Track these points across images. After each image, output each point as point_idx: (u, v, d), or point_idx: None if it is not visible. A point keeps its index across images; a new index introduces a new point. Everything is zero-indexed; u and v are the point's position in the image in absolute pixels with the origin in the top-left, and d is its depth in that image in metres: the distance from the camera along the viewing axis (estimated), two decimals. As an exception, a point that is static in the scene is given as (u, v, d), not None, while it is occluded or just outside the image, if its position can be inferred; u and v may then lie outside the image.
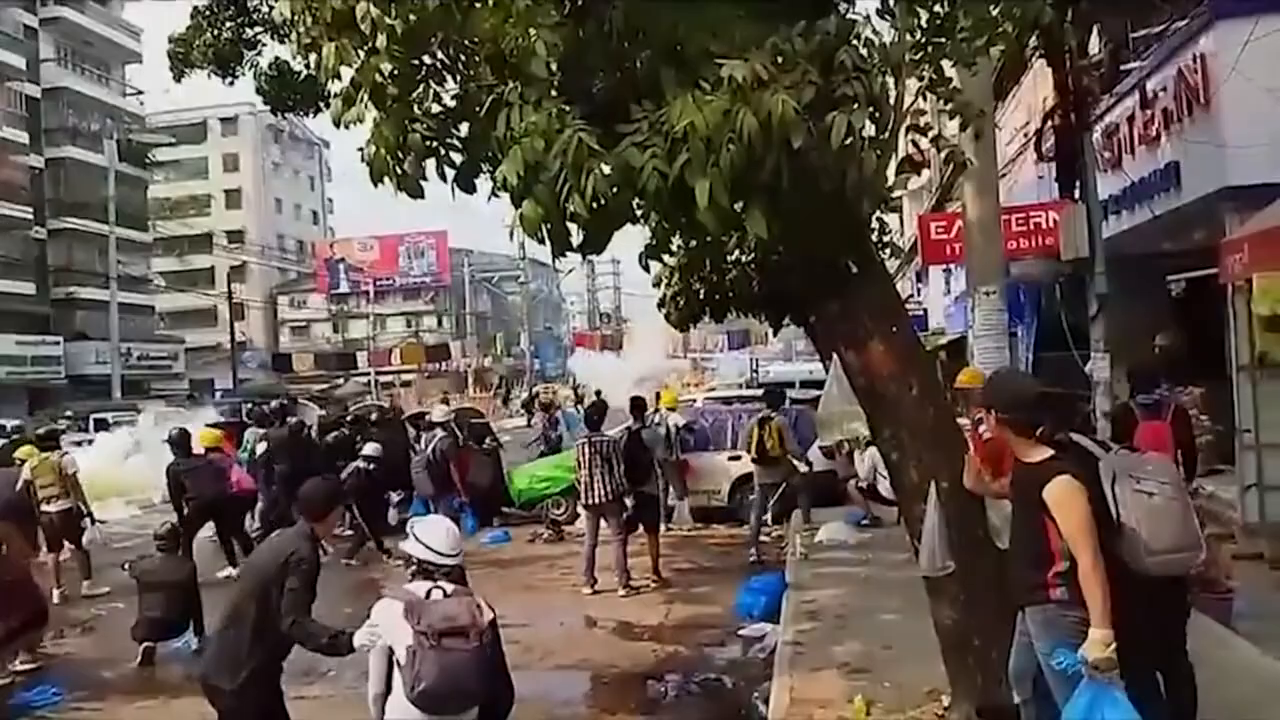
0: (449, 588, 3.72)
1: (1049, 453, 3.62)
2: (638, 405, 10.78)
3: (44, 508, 9.77)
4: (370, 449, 11.59)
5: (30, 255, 35.76)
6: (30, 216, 35.22)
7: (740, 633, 7.64)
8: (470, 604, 3.65)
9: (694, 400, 15.76)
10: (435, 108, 4.28)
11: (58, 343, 35.93)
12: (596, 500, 9.23)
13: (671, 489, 11.68)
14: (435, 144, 4.21)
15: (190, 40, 8.20)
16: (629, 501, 9.38)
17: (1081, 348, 8.85)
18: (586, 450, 9.31)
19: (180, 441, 10.49)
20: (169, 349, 44.13)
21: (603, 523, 9.33)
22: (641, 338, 32.45)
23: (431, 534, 3.88)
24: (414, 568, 3.83)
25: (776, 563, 9.65)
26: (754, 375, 30.91)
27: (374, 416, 15.91)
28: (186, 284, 49.18)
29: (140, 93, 43.97)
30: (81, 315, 37.06)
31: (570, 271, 56.36)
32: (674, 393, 15.43)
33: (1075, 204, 8.51)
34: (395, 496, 12.91)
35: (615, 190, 3.49)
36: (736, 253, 6.15)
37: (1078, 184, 8.59)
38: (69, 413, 24.82)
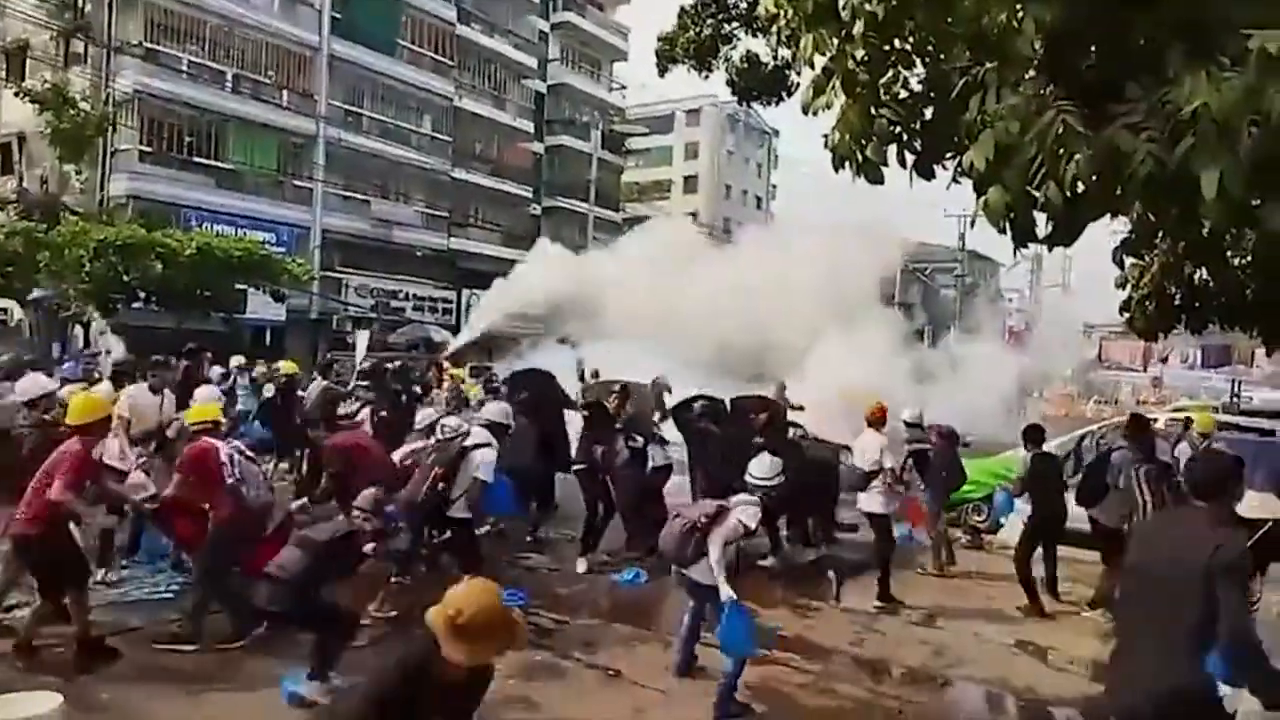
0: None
1: None
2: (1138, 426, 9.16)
3: None
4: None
5: (528, 228, 42.11)
6: (530, 195, 41.50)
7: None
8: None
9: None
10: (902, 93, 4.28)
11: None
12: None
13: None
14: (899, 130, 4.21)
15: (675, 38, 9.06)
16: None
17: None
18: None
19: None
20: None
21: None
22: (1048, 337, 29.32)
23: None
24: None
25: None
26: (1234, 400, 26.50)
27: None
28: (644, 260, 54.42)
29: (624, 88, 49.32)
30: (562, 282, 42.98)
31: (1014, 266, 52.47)
32: (1210, 416, 12.91)
33: None
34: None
35: (1097, 177, 3.20)
36: (1229, 254, 5.35)
37: None
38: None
